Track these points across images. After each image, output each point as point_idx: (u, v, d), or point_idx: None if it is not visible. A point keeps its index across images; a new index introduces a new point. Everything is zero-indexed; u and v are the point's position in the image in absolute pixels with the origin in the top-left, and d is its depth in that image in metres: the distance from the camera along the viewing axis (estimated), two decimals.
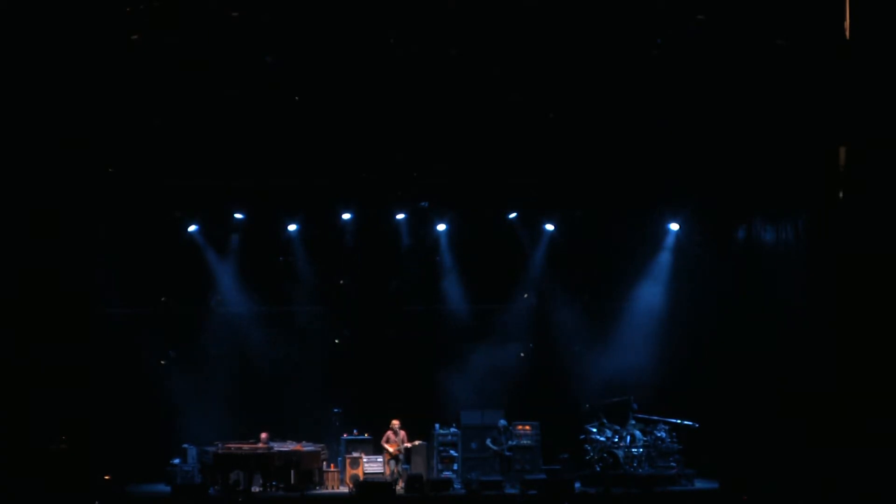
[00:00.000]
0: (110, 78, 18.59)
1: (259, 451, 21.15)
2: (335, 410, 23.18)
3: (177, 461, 22.02)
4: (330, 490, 21.48)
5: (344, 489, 21.54)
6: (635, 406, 22.61)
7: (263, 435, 21.63)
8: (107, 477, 21.03)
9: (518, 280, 24.53)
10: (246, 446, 21.25)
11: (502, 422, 22.27)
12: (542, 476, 21.60)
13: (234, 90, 20.02)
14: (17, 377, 19.57)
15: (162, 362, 23.60)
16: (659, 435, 22.15)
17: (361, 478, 21.72)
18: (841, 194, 17.32)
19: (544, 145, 21.54)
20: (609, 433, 22.22)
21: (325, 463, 21.95)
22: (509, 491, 20.67)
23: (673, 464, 21.87)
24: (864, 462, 16.47)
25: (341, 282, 24.32)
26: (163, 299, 23.74)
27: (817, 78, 17.55)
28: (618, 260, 24.10)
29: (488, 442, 22.16)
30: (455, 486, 21.55)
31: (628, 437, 22.05)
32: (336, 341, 24.37)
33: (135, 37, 18.02)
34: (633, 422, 22.44)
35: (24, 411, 19.82)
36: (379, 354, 23.84)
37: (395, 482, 21.23)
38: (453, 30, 18.54)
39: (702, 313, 23.31)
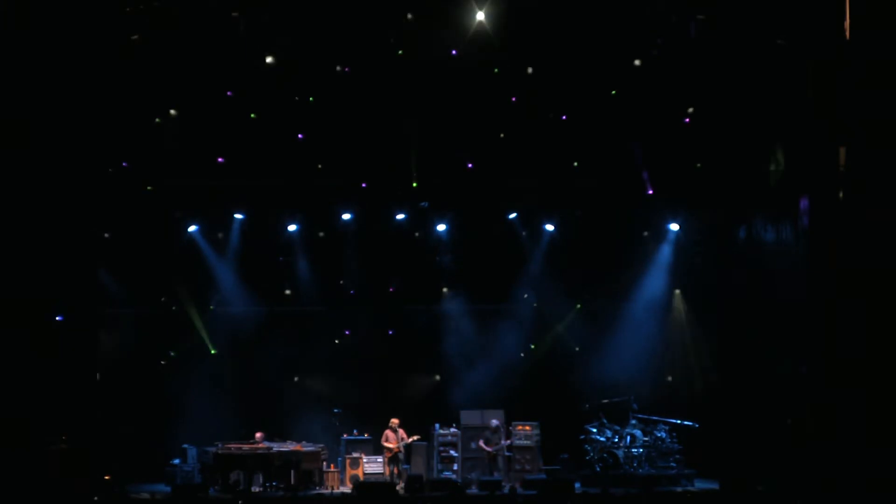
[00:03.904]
0: (110, 78, 18.62)
1: (259, 451, 21.14)
2: (335, 410, 23.14)
3: (177, 461, 22.02)
4: (330, 490, 21.46)
5: (344, 489, 21.53)
6: (635, 406, 22.59)
7: (258, 435, 21.62)
8: (107, 477, 21.00)
9: (518, 280, 24.50)
10: (246, 446, 21.24)
11: (494, 422, 22.10)
12: (542, 476, 21.57)
13: (234, 90, 20.05)
14: (17, 377, 19.54)
15: (162, 362, 23.60)
16: (659, 435, 22.12)
17: (361, 478, 21.71)
18: (841, 194, 17.30)
19: (544, 145, 21.57)
20: (609, 433, 22.19)
21: (325, 463, 21.93)
22: (506, 492, 20.61)
23: (673, 464, 21.86)
24: (864, 462, 16.46)
25: (341, 282, 24.29)
26: (163, 299, 23.72)
27: (817, 78, 17.56)
28: (618, 259, 24.07)
29: (480, 443, 21.91)
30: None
31: (628, 437, 22.02)
32: (336, 341, 24.35)
33: (135, 37, 18.07)
34: (634, 422, 22.41)
35: (24, 411, 19.78)
36: (379, 354, 23.84)
37: (396, 482, 21.21)
38: (454, 30, 18.60)
39: (702, 313, 23.29)
